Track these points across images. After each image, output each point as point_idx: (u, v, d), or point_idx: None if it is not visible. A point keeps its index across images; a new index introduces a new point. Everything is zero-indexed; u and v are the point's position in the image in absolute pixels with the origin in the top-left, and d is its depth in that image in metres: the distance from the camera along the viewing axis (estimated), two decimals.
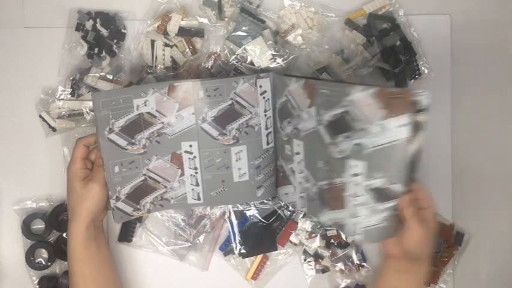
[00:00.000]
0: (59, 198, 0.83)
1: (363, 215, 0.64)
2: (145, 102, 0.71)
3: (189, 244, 0.83)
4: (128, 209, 0.75)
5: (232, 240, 0.83)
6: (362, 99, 0.61)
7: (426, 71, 0.84)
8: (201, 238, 0.83)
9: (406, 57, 0.83)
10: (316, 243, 0.82)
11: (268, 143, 0.76)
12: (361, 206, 0.64)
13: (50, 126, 0.82)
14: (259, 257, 0.83)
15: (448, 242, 0.83)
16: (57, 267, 0.83)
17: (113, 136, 0.72)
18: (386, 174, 0.61)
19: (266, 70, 0.82)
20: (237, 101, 0.72)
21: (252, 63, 0.82)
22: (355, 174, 0.64)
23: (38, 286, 0.82)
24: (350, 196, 0.65)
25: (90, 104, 0.82)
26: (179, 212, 0.83)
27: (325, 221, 0.70)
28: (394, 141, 0.59)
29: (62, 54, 0.83)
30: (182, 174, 0.75)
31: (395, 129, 0.59)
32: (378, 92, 0.60)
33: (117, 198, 0.74)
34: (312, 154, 0.69)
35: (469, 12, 0.86)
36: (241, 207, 0.82)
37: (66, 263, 0.83)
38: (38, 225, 0.83)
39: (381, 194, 0.63)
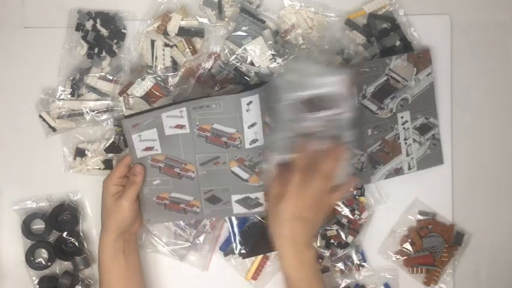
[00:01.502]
0: (59, 198, 0.83)
1: (415, 150, 0.82)
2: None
3: (189, 244, 0.83)
4: None
5: (233, 240, 0.83)
6: (398, 64, 0.79)
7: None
8: (201, 238, 0.83)
9: None
10: (316, 243, 0.82)
11: None
12: (412, 143, 0.82)
13: (50, 126, 0.82)
14: (260, 257, 0.83)
15: (448, 242, 0.84)
16: (57, 267, 0.83)
17: None
18: (424, 113, 0.82)
19: (268, 75, 0.82)
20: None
21: (252, 63, 0.82)
22: (404, 122, 0.81)
23: (38, 286, 0.82)
24: (403, 140, 0.82)
25: (90, 104, 0.82)
26: None
27: (379, 178, 0.82)
28: (426, 87, 0.82)
29: (62, 54, 0.83)
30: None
31: (424, 78, 0.81)
32: (409, 56, 0.80)
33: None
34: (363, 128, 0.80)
35: (469, 12, 0.86)
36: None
37: (66, 263, 0.83)
38: (38, 225, 0.83)
39: (423, 129, 0.82)
